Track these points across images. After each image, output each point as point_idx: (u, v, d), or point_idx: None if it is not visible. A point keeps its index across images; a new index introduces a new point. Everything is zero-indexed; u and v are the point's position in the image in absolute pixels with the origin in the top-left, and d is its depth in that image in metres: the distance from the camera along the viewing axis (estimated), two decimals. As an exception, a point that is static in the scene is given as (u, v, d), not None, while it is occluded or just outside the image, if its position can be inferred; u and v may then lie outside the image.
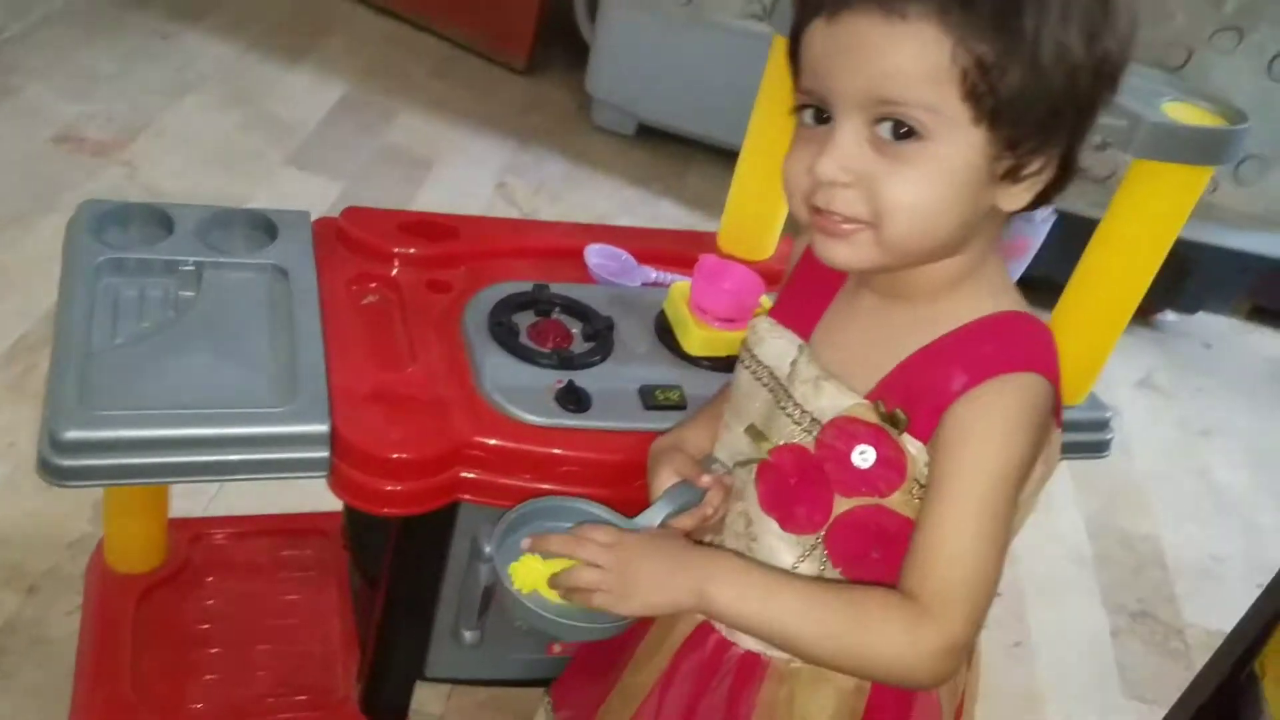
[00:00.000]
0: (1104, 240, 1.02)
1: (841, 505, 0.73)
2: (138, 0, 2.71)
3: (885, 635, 0.69)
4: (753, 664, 0.80)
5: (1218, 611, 1.71)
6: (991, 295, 0.72)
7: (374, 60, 2.73)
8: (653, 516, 0.80)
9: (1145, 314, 2.53)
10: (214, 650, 1.19)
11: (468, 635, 1.03)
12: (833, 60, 0.66)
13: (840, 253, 0.69)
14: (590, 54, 2.63)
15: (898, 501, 0.72)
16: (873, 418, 0.72)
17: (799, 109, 0.70)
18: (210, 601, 1.23)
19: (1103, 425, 1.12)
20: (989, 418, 0.69)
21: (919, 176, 0.65)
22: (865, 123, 0.65)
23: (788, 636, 0.72)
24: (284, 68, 2.61)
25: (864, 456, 0.72)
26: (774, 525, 0.76)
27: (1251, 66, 2.01)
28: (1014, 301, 0.73)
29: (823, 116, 0.68)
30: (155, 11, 2.68)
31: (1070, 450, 1.12)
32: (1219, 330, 2.59)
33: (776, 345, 0.79)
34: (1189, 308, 2.46)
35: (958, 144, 0.65)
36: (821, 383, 0.74)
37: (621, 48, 2.55)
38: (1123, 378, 2.35)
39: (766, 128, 1.16)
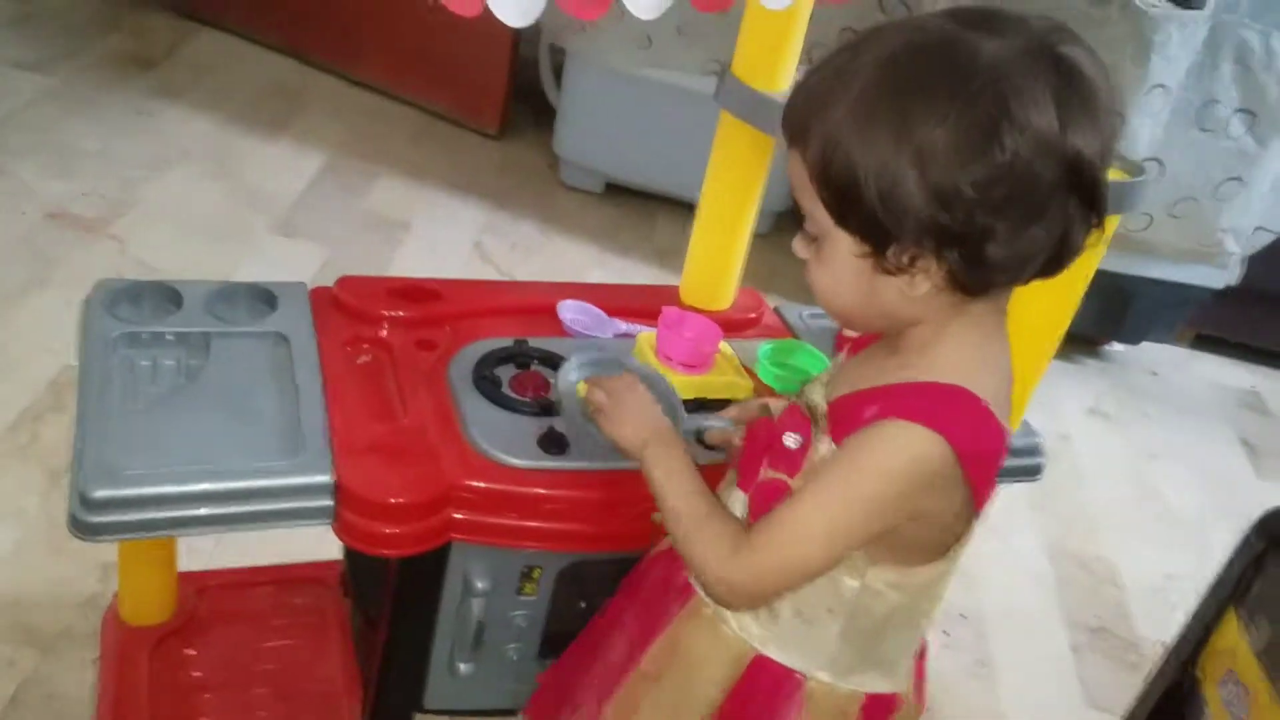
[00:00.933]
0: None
1: (764, 475, 0.87)
2: (118, 78, 2.80)
3: (713, 545, 0.84)
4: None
5: (1171, 625, 1.78)
6: (943, 370, 0.80)
7: (352, 130, 2.83)
8: (697, 420, 1.02)
9: (1093, 344, 2.65)
10: (222, 695, 1.26)
11: (463, 667, 1.11)
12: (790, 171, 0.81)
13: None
14: (556, 117, 2.75)
15: (796, 484, 0.84)
16: (807, 414, 0.86)
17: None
18: (217, 650, 1.30)
19: (1034, 450, 1.21)
20: (867, 446, 0.79)
21: (820, 266, 0.81)
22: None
23: (664, 507, 0.89)
24: (264, 140, 2.71)
25: (792, 439, 0.86)
26: (734, 476, 0.92)
27: (1181, 122, 2.13)
28: (962, 378, 0.79)
29: None
30: (134, 90, 2.77)
31: (1005, 475, 1.22)
32: (1164, 358, 2.71)
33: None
34: (1133, 338, 2.58)
35: (836, 243, 0.78)
36: (819, 385, 0.89)
37: (585, 110, 2.67)
38: (1073, 406, 2.46)
39: (718, 189, 1.27)
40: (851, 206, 0.76)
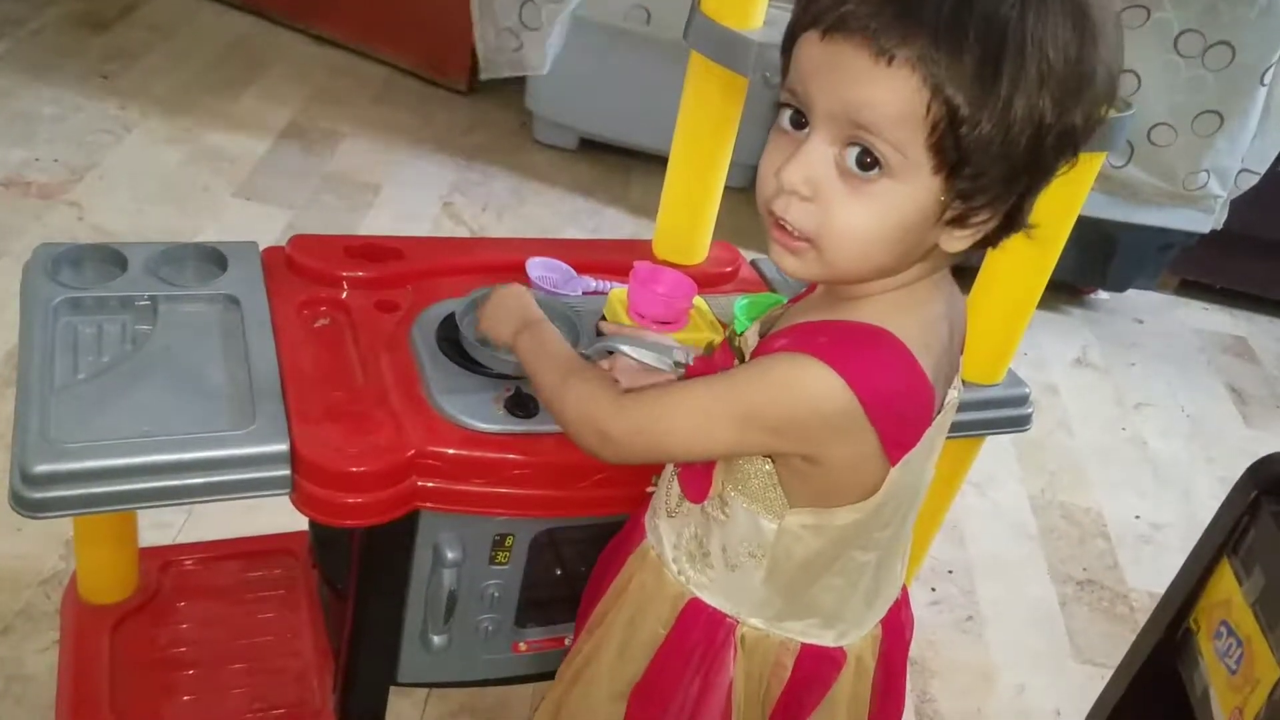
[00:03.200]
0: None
1: None
2: (72, 42, 2.72)
3: (597, 394, 0.83)
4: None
5: (1159, 576, 1.78)
6: (883, 314, 0.75)
7: (316, 89, 2.76)
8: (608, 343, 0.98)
9: (1077, 293, 2.63)
10: (190, 672, 1.22)
11: (436, 640, 1.08)
12: (819, 75, 0.68)
13: (788, 263, 0.75)
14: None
15: None
16: (734, 353, 0.85)
17: (780, 106, 0.73)
18: (183, 626, 1.26)
19: (1022, 401, 1.18)
20: (763, 365, 0.76)
21: (870, 209, 0.69)
22: (836, 141, 0.69)
23: (539, 382, 0.89)
24: (226, 101, 2.63)
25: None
26: None
27: (1158, 42, 2.09)
28: (897, 326, 0.74)
29: (800, 121, 0.71)
30: (93, 54, 2.69)
31: (993, 426, 1.19)
32: (1149, 305, 2.69)
33: None
34: (1118, 285, 2.55)
35: (913, 186, 0.68)
36: (758, 327, 0.86)
37: (559, 63, 2.60)
38: (1059, 356, 2.44)
39: (690, 136, 1.22)
40: (985, 152, 0.66)
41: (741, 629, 0.86)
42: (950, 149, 0.66)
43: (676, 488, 0.88)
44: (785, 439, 0.76)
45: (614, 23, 2.45)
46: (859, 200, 0.69)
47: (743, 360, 0.83)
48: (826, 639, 0.87)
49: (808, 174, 0.70)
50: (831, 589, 0.85)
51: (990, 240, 0.74)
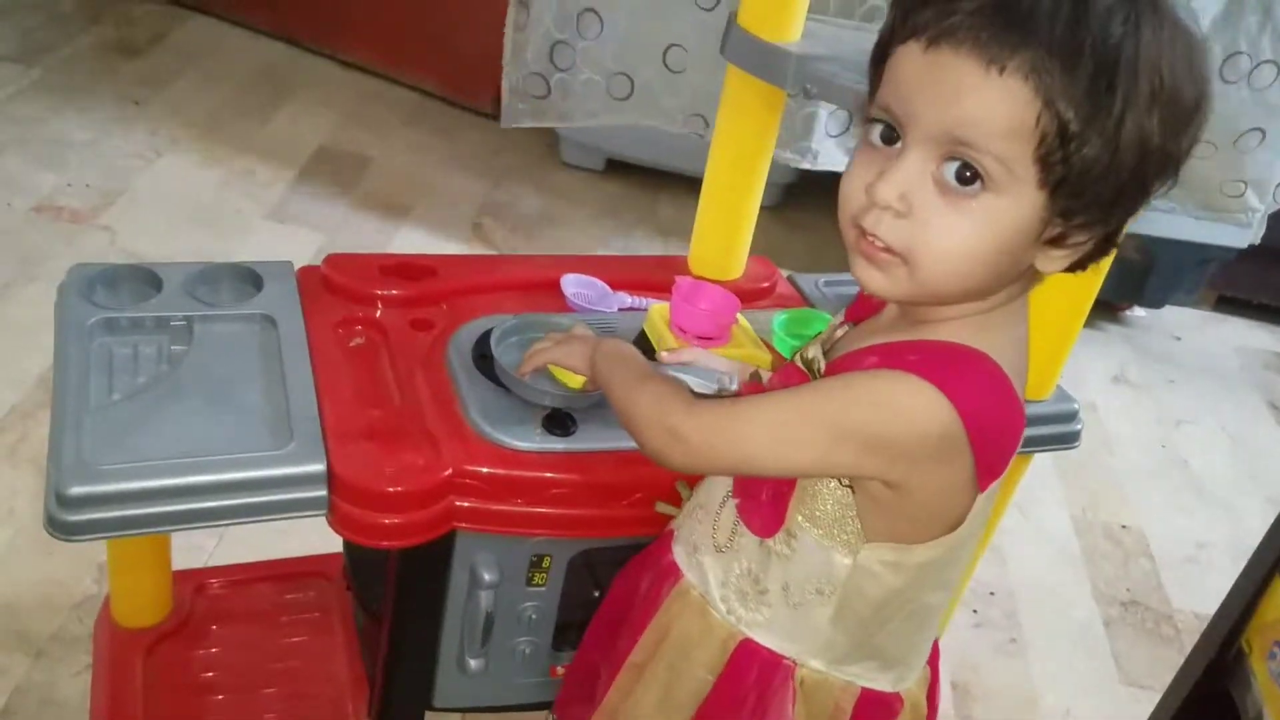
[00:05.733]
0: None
1: None
2: (104, 68, 2.75)
3: (669, 397, 0.79)
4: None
5: (1205, 596, 1.75)
6: (970, 335, 0.72)
7: (345, 113, 2.78)
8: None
9: (1115, 310, 2.59)
10: (223, 697, 1.20)
11: (473, 663, 1.06)
12: (920, 88, 0.66)
13: (875, 280, 0.71)
14: (556, 93, 2.68)
15: None
16: (804, 369, 0.79)
17: (869, 121, 0.70)
18: (217, 650, 1.25)
19: (1071, 417, 1.15)
20: (858, 380, 0.72)
21: (970, 225, 0.66)
22: (934, 157, 0.66)
23: (616, 394, 0.84)
24: (256, 125, 2.65)
25: None
26: None
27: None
28: (989, 348, 0.71)
29: (891, 137, 0.68)
30: (124, 80, 2.72)
31: (1043, 443, 1.16)
32: (1187, 322, 2.65)
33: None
34: (1156, 302, 2.51)
35: (1017, 202, 0.66)
36: (817, 344, 0.81)
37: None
38: (1097, 374, 2.40)
39: (727, 150, 1.20)
40: (1092, 169, 0.64)
41: (801, 671, 0.82)
42: (1057, 164, 0.64)
43: (726, 522, 0.83)
44: (876, 459, 0.71)
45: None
46: (958, 215, 0.66)
47: (814, 375, 0.78)
48: (884, 683, 0.83)
49: (904, 189, 0.67)
50: (901, 633, 0.81)
51: (1082, 262, 0.71)
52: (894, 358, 0.71)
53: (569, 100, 2.10)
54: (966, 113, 0.64)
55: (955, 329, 0.72)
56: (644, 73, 1.98)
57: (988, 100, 0.63)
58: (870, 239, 0.69)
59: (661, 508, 0.94)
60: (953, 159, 0.66)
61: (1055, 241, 0.68)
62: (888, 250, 0.69)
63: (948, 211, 0.66)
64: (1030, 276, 0.72)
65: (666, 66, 2.00)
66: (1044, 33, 0.62)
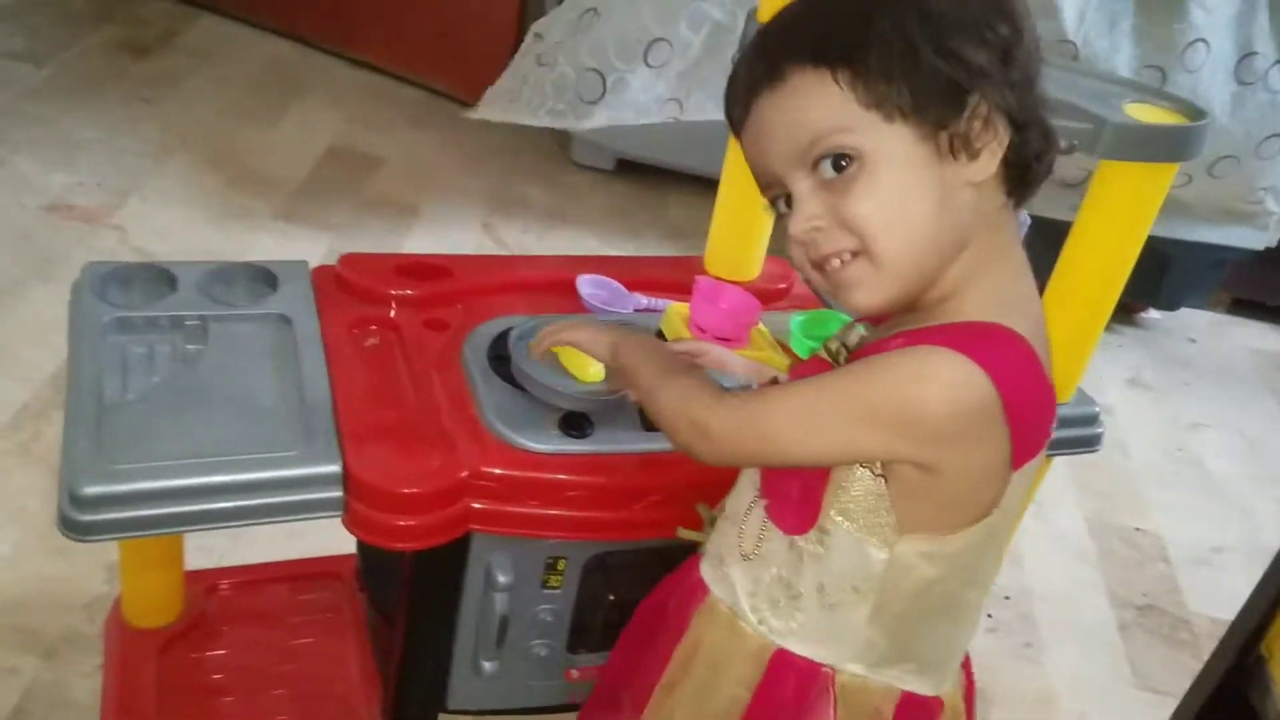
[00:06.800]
0: (1078, 241, 1.05)
1: None
2: (114, 67, 2.75)
3: (698, 391, 0.79)
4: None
5: (1221, 600, 1.73)
6: (983, 308, 0.72)
7: (354, 113, 2.77)
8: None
9: (1130, 313, 2.58)
10: (235, 698, 1.20)
11: (487, 666, 1.05)
12: (759, 146, 0.75)
13: (854, 298, 0.73)
14: (567, 93, 2.67)
15: None
16: (828, 358, 0.80)
17: (772, 203, 0.77)
18: (228, 651, 1.24)
19: (1092, 420, 1.14)
20: (888, 359, 0.71)
21: (872, 186, 0.70)
22: (808, 174, 0.72)
23: (644, 385, 0.84)
24: (265, 124, 2.65)
25: None
26: None
27: (1221, 74, 2.05)
28: (1004, 316, 0.72)
29: (789, 200, 0.74)
30: (134, 79, 2.72)
31: (1063, 446, 1.15)
32: (1202, 325, 2.63)
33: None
34: (1171, 304, 2.50)
35: (886, 146, 0.70)
36: (837, 339, 0.82)
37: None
38: (1112, 377, 2.39)
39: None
40: (914, 76, 0.69)
41: (840, 677, 0.80)
42: (881, 99, 0.69)
43: (752, 528, 0.82)
44: (908, 439, 0.70)
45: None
46: (857, 187, 0.70)
47: (839, 363, 0.78)
48: (923, 687, 0.82)
49: (807, 212, 0.72)
50: (938, 631, 0.80)
51: (1025, 160, 0.72)
52: (922, 339, 0.71)
53: (538, 96, 2.10)
54: (789, 125, 0.72)
55: (971, 303, 0.73)
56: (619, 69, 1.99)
57: (795, 105, 0.72)
58: (825, 263, 0.73)
59: (683, 534, 0.92)
60: (819, 161, 0.71)
61: (960, 148, 0.70)
62: (843, 256, 0.72)
63: (849, 193, 0.71)
64: (991, 204, 0.73)
65: (647, 64, 2.01)
66: (786, 34, 0.74)
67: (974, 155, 0.70)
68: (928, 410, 0.69)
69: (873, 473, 0.74)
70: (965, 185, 0.71)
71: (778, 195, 0.76)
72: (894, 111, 0.69)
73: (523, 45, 2.15)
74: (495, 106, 2.19)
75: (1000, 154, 0.71)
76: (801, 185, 0.72)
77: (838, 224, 0.71)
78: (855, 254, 0.71)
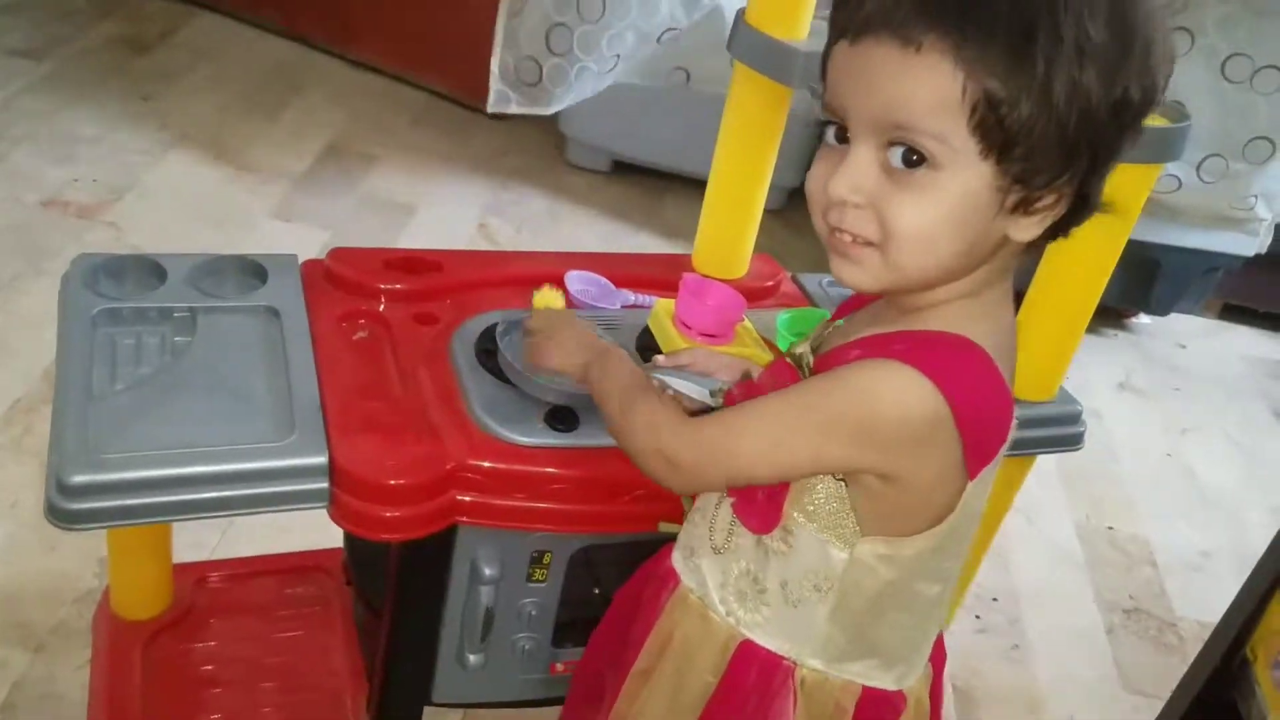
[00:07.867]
0: (1061, 241, 1.05)
1: None
2: (113, 63, 2.75)
3: (661, 416, 0.79)
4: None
5: (1208, 604, 1.73)
6: (956, 323, 0.72)
7: (353, 112, 2.78)
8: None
9: (1120, 317, 2.58)
10: (222, 691, 1.20)
11: (472, 659, 1.06)
12: (851, 83, 0.68)
13: (850, 273, 0.72)
14: (563, 94, 2.68)
15: None
16: (793, 365, 0.80)
17: (822, 125, 0.72)
18: (216, 643, 1.25)
19: (1074, 419, 1.14)
20: (845, 373, 0.72)
21: (925, 203, 0.67)
22: (878, 146, 0.68)
23: (610, 408, 0.84)
24: (264, 123, 2.65)
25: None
26: None
27: (1206, 67, 2.06)
28: (979, 333, 0.72)
29: (843, 135, 0.70)
30: (134, 75, 2.72)
31: (1046, 445, 1.16)
32: (1192, 330, 2.64)
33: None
34: (1161, 309, 2.50)
35: (964, 174, 0.66)
36: (805, 344, 0.81)
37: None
38: (1102, 380, 2.39)
39: (733, 147, 1.20)
40: (1031, 131, 0.64)
41: (801, 671, 0.81)
42: (994, 131, 0.65)
43: (723, 522, 0.83)
44: (867, 451, 0.71)
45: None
46: (911, 195, 0.67)
47: (803, 371, 0.79)
48: (886, 681, 0.82)
49: (854, 182, 0.69)
50: (898, 626, 0.81)
51: (1062, 226, 0.71)
52: (878, 348, 0.71)
53: (560, 87, 2.12)
54: (893, 96, 0.66)
55: (942, 316, 0.73)
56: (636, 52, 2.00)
57: (912, 81, 0.65)
58: (840, 233, 0.71)
59: (665, 528, 0.93)
60: (895, 144, 0.67)
61: (1022, 208, 0.68)
62: (859, 241, 0.70)
63: (902, 195, 0.68)
64: (1011, 250, 0.72)
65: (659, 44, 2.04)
66: (955, 5, 0.63)
67: (1027, 215, 0.69)
68: (880, 424, 0.70)
69: (834, 478, 0.75)
70: (1002, 234, 0.70)
71: (833, 124, 0.71)
72: (995, 149, 0.66)
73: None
74: (506, 97, 2.23)
75: (1051, 221, 0.70)
76: (863, 150, 0.68)
77: (874, 215, 0.69)
78: (871, 243, 0.70)
